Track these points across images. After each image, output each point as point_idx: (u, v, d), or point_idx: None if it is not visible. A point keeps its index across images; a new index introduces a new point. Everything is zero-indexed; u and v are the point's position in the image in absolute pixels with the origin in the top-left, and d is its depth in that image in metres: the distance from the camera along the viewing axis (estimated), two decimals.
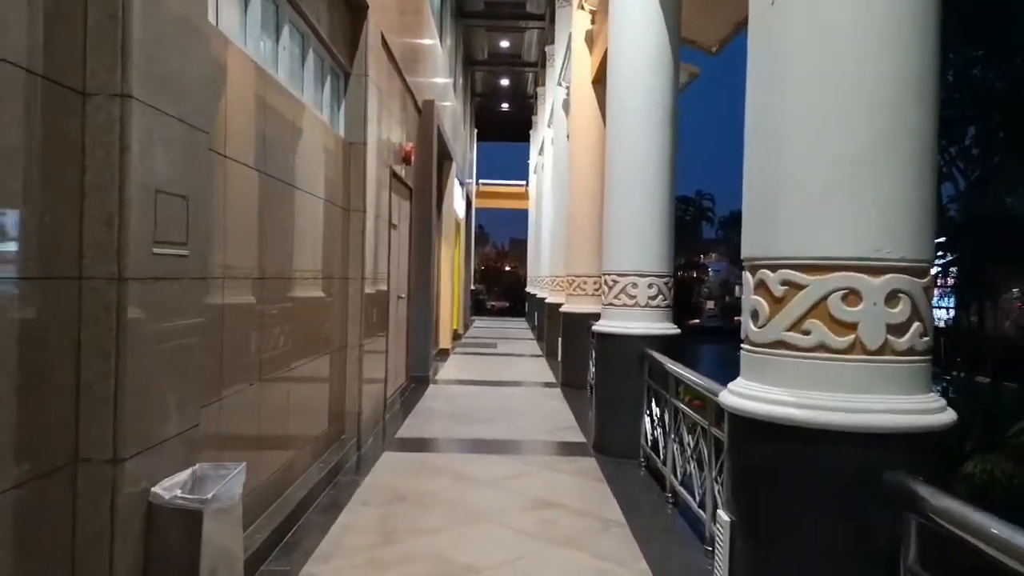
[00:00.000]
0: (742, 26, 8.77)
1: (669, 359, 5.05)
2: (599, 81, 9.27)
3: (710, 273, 73.64)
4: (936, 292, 4.40)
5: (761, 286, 2.43)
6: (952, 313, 30.21)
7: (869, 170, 2.24)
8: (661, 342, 5.62)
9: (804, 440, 2.24)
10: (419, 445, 6.14)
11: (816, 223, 2.29)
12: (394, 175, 7.33)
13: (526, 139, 26.52)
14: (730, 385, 2.60)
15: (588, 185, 9.39)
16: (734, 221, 79.61)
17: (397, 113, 7.51)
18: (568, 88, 12.55)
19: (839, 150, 2.26)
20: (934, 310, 2.49)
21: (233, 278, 3.35)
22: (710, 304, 61.09)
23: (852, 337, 2.25)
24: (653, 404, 5.36)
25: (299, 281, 4.50)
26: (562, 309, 9.77)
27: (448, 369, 10.93)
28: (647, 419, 5.50)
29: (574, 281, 9.55)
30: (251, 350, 3.65)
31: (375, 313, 6.30)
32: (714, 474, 3.76)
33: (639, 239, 5.76)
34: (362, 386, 5.77)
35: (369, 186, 5.88)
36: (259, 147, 3.66)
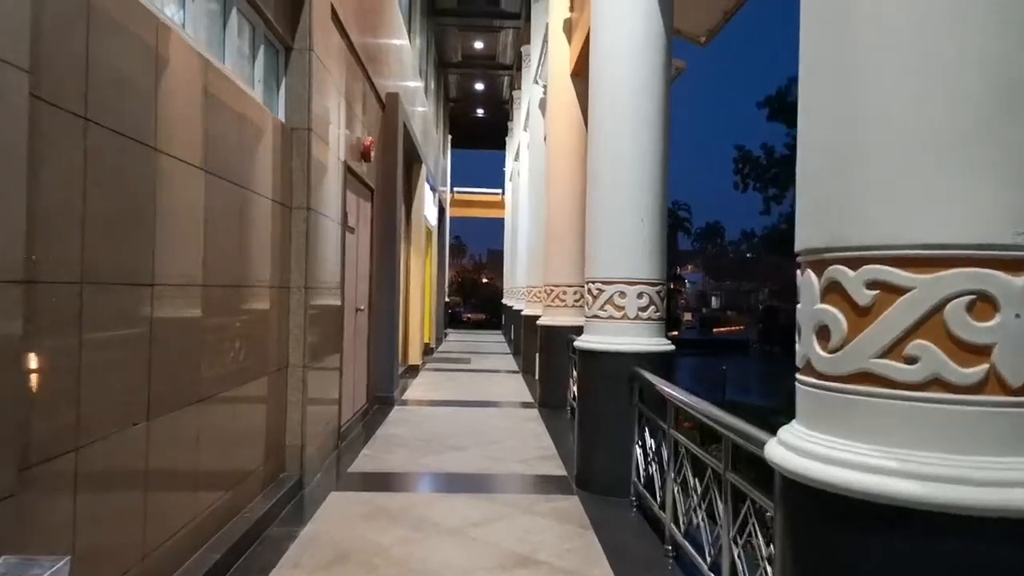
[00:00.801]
0: (733, 14, 8.12)
1: (665, 382, 4.27)
2: (579, 73, 8.54)
3: (687, 285, 73.83)
4: None
5: (834, 290, 1.64)
6: None
7: (1007, 116, 1.48)
8: (654, 360, 4.85)
9: (915, 527, 1.46)
10: (375, 482, 5.28)
11: (925, 193, 1.52)
12: (350, 171, 6.51)
13: (502, 146, 25.86)
14: (782, 433, 1.80)
15: (567, 187, 8.64)
16: (709, 233, 79.85)
17: (354, 103, 6.70)
18: (545, 86, 11.83)
19: (964, 84, 1.49)
20: None
21: (102, 284, 2.51)
22: (687, 316, 60.87)
23: (984, 367, 1.47)
24: (646, 434, 4.58)
25: (217, 291, 3.66)
26: (540, 322, 8.99)
27: (417, 388, 10.07)
28: (639, 451, 4.72)
29: (552, 291, 8.78)
30: (136, 381, 2.80)
31: (325, 327, 5.46)
32: (732, 533, 2.97)
33: (628, 242, 4.99)
34: (306, 413, 4.91)
35: (315, 179, 5.05)
36: (148, 114, 2.83)
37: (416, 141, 11.11)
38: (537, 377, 9.32)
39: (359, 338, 7.30)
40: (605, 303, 5.02)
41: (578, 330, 8.18)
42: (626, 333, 4.97)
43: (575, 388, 8.06)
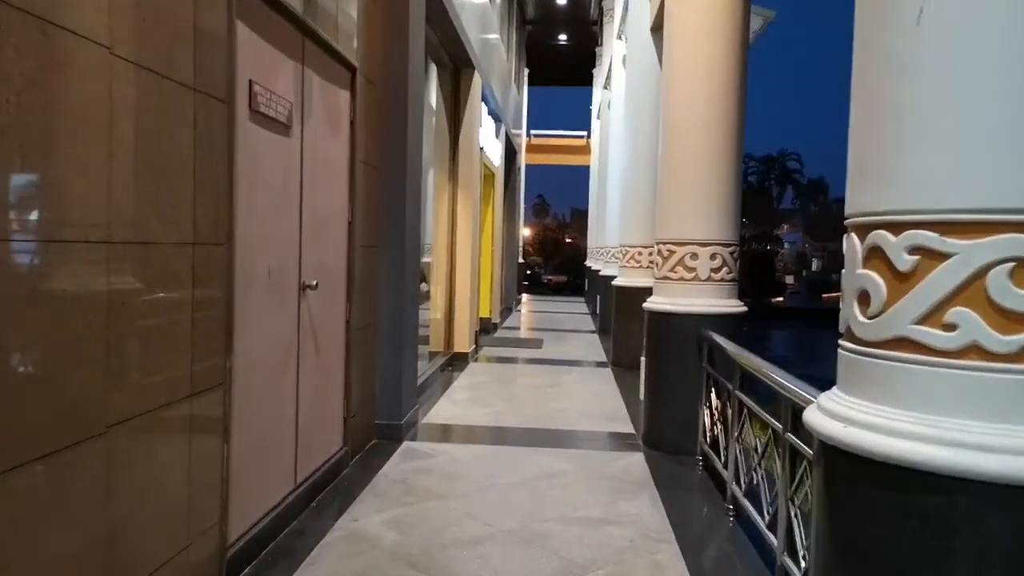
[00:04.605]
0: None
1: None
2: None
3: (785, 246, 68.70)
4: None
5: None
6: None
7: None
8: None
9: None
10: None
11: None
12: None
13: (587, 81, 21.89)
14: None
15: (703, 88, 4.94)
16: (811, 190, 72.32)
17: None
18: None
19: None
20: None
21: None
22: (790, 280, 55.08)
23: None
24: None
25: None
26: (650, 305, 5.36)
27: (454, 397, 6.67)
28: None
29: (669, 255, 5.13)
30: None
31: (107, 346, 2.09)
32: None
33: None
34: None
35: None
36: None
37: (461, 31, 7.56)
38: (643, 394, 5.74)
39: (319, 340, 3.92)
40: (956, 295, 1.39)
41: (712, 319, 4.61)
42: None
43: (707, 420, 4.51)
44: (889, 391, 1.48)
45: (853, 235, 1.61)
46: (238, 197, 2.87)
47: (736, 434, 3.78)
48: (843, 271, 1.68)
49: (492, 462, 4.68)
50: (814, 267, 78.62)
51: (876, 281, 1.50)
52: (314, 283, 3.68)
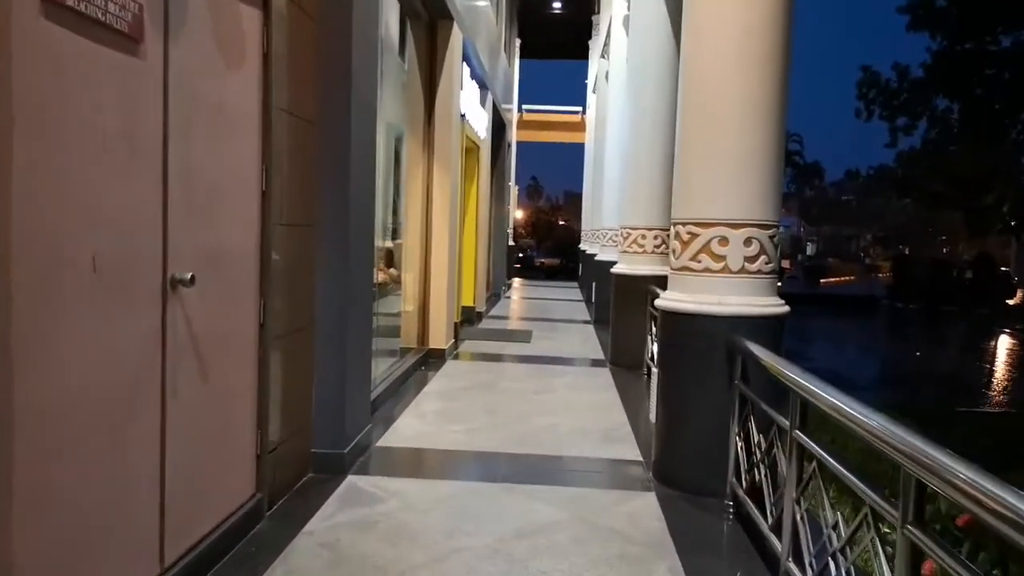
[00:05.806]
0: None
1: None
2: None
3: (780, 228, 67.70)
4: None
5: None
6: None
7: None
8: None
9: None
10: None
11: None
12: None
13: (583, 55, 20.64)
14: None
15: (740, 15, 3.79)
16: (807, 173, 70.99)
17: None
18: None
19: None
20: None
21: None
22: (786, 264, 54.08)
23: None
24: None
25: None
26: (662, 303, 4.20)
27: (420, 410, 5.53)
28: None
29: (690, 239, 3.99)
30: None
31: None
32: None
33: None
34: None
35: None
36: None
37: None
38: (654, 415, 4.62)
39: (206, 356, 2.77)
40: None
41: (752, 324, 4.19)
42: None
43: (742, 456, 3.40)
44: None
45: None
46: (15, 143, 1.72)
47: (796, 494, 2.67)
48: None
49: (458, 509, 3.56)
50: (808, 251, 77.70)
51: None
52: (188, 276, 2.52)
